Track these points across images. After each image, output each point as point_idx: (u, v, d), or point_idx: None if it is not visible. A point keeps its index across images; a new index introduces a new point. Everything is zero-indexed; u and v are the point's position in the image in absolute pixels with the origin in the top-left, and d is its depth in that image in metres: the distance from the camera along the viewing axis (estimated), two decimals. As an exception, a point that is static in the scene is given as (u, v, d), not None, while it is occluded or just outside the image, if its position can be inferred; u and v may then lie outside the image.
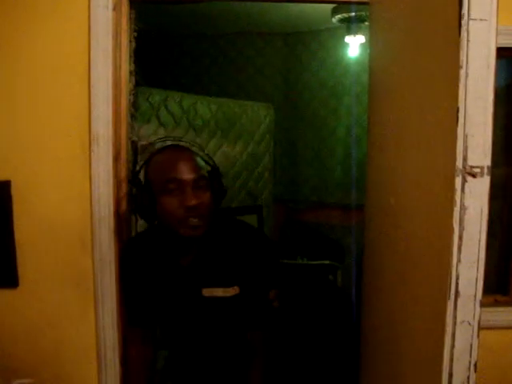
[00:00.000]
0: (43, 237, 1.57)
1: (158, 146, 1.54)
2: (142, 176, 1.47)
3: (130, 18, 1.62)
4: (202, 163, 1.47)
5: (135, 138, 1.74)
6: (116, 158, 1.57)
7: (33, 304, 1.60)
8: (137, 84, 1.71)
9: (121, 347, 1.63)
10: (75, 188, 1.56)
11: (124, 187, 1.62)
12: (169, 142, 1.55)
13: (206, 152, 1.59)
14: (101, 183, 1.54)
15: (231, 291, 1.48)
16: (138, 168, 1.52)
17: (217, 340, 1.58)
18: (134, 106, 1.72)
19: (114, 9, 1.51)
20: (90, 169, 1.54)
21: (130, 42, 1.63)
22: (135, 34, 1.66)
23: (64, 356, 1.63)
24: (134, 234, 1.82)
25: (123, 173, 1.61)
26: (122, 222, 1.62)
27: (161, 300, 1.55)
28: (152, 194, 1.42)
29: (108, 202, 1.56)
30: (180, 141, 1.58)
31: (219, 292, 1.48)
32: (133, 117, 1.71)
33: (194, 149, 1.51)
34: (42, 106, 1.54)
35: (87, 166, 1.54)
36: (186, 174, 1.38)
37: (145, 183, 1.45)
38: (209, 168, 1.51)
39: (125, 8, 1.56)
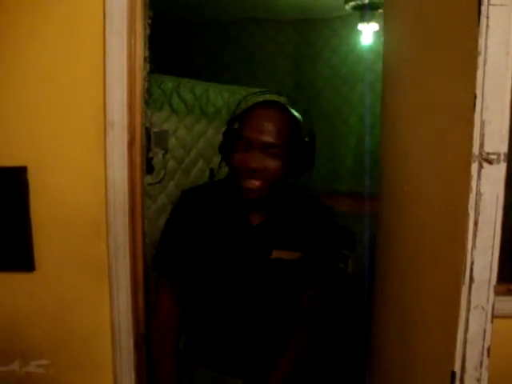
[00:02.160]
0: (59, 222, 1.59)
1: (258, 99, 1.49)
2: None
3: (145, 5, 1.62)
4: (287, 129, 1.40)
5: (148, 125, 1.75)
6: (131, 144, 1.58)
7: (48, 288, 1.63)
8: (150, 71, 1.71)
9: (135, 331, 1.65)
10: (90, 173, 1.57)
11: (138, 173, 1.63)
12: (273, 97, 1.51)
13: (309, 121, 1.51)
14: (116, 169, 1.56)
15: (296, 254, 1.49)
16: (236, 112, 1.50)
17: (266, 305, 1.52)
18: (148, 92, 1.73)
19: (129, -6, 1.51)
20: (105, 154, 1.55)
21: (144, 28, 1.63)
22: (149, 20, 1.66)
23: (79, 340, 1.65)
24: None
25: (138, 159, 1.62)
26: (136, 208, 1.64)
27: (211, 255, 1.50)
28: (232, 146, 1.42)
29: (123, 187, 1.57)
30: (287, 98, 1.57)
31: (287, 254, 1.48)
32: (146, 103, 1.72)
33: (290, 112, 1.45)
34: (57, 91, 1.55)
35: (102, 152, 1.55)
36: (258, 134, 1.36)
37: (235, 131, 1.44)
38: (304, 136, 1.45)
39: (139, -6, 1.56)
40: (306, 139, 1.45)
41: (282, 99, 1.55)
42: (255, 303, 1.50)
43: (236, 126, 1.46)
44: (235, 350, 1.54)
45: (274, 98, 1.52)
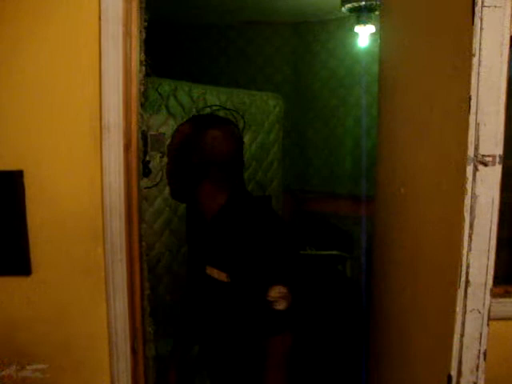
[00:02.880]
0: (55, 225, 1.59)
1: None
2: None
3: (140, 8, 1.61)
4: (180, 139, 1.50)
5: (145, 128, 1.75)
6: (127, 147, 1.57)
7: (45, 292, 1.62)
8: (146, 74, 1.71)
9: (131, 336, 1.64)
10: (87, 177, 1.57)
11: (134, 176, 1.63)
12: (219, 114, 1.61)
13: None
14: (112, 172, 1.55)
15: (222, 275, 1.44)
16: None
17: (225, 331, 1.54)
18: (144, 95, 1.73)
19: (125, -2, 1.51)
20: (101, 158, 1.54)
21: (140, 31, 1.63)
22: (145, 23, 1.65)
23: (76, 344, 1.64)
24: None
25: (134, 162, 1.62)
26: (133, 211, 1.63)
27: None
28: None
29: (119, 190, 1.56)
30: (223, 109, 1.70)
31: (214, 272, 1.47)
32: (142, 106, 1.71)
33: (194, 129, 1.49)
34: (53, 95, 1.54)
35: (98, 155, 1.54)
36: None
37: None
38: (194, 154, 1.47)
39: (135, -3, 1.56)
40: (195, 160, 1.46)
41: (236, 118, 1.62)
42: (205, 313, 1.60)
43: None
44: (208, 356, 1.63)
45: (220, 114, 1.60)
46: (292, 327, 1.41)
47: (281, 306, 1.37)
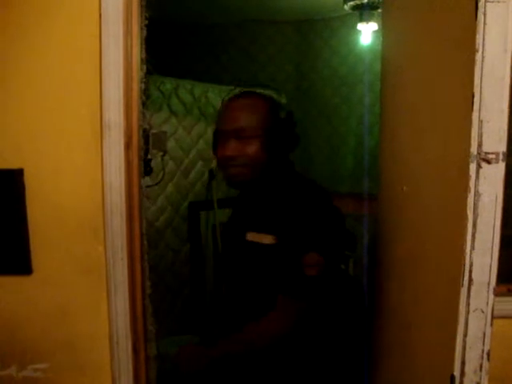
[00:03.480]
0: (56, 224, 1.58)
1: (235, 92, 1.61)
2: None
3: (141, 6, 1.61)
4: (256, 111, 1.48)
5: (147, 126, 1.74)
6: (127, 146, 1.57)
7: (46, 291, 1.61)
8: (148, 72, 1.70)
9: (133, 335, 1.64)
10: (87, 175, 1.56)
11: (135, 175, 1.62)
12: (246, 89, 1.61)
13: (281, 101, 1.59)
14: (112, 170, 1.55)
15: (269, 238, 1.45)
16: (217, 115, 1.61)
17: (250, 288, 1.55)
18: (146, 94, 1.72)
19: (125, -4, 1.50)
20: (102, 156, 1.54)
21: (141, 29, 1.62)
22: (146, 21, 1.65)
23: (77, 343, 1.64)
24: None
25: (135, 160, 1.61)
26: (134, 209, 1.63)
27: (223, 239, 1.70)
28: (213, 141, 1.57)
29: (120, 189, 1.56)
30: (258, 85, 1.65)
31: (258, 237, 1.48)
32: (144, 105, 1.71)
33: (260, 98, 1.54)
34: (54, 93, 1.53)
35: (99, 153, 1.54)
36: (226, 124, 1.48)
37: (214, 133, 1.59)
38: (280, 115, 1.53)
39: (136, -5, 1.55)
40: (282, 117, 1.53)
41: (265, 90, 1.64)
42: (239, 282, 1.58)
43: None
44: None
45: (246, 89, 1.61)
46: (311, 298, 1.43)
47: (311, 273, 1.39)
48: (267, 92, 1.64)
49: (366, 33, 3.47)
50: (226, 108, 1.53)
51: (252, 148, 1.45)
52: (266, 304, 1.50)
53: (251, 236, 1.49)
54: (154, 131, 1.89)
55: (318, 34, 4.11)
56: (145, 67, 1.67)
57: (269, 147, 1.48)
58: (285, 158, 1.57)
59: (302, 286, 1.41)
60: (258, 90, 1.59)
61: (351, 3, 3.22)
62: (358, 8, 3.27)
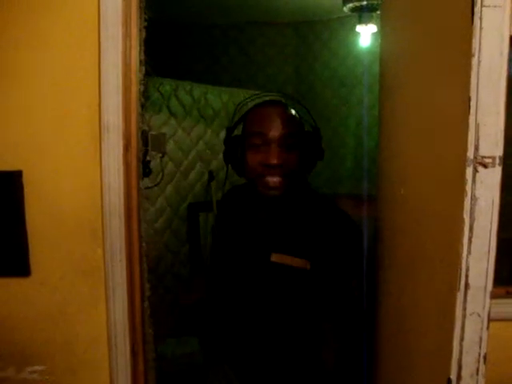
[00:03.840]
0: (54, 226, 1.58)
1: (258, 100, 1.52)
2: (239, 129, 1.49)
3: (140, 7, 1.61)
4: (296, 121, 1.43)
5: (146, 128, 1.74)
6: (126, 147, 1.57)
7: (44, 293, 1.61)
8: (147, 74, 1.70)
9: (131, 337, 1.64)
10: (86, 177, 1.56)
11: (134, 177, 1.62)
12: (267, 98, 1.52)
13: (308, 112, 1.53)
14: (111, 172, 1.55)
15: (300, 262, 1.37)
16: (235, 119, 1.52)
17: (281, 317, 1.44)
18: (145, 95, 1.72)
19: (124, -2, 1.50)
20: (101, 158, 1.54)
21: (140, 31, 1.62)
22: (145, 23, 1.65)
23: (75, 344, 1.64)
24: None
25: (134, 162, 1.61)
26: (132, 211, 1.63)
27: (230, 256, 1.51)
28: (243, 147, 1.42)
29: (118, 191, 1.56)
30: (283, 95, 1.58)
31: (287, 259, 1.38)
32: (143, 106, 1.71)
33: (292, 105, 1.47)
34: (52, 95, 1.54)
35: (98, 155, 1.54)
36: (272, 129, 1.36)
37: (240, 136, 1.46)
38: (308, 128, 1.47)
39: (135, -3, 1.56)
40: (311, 130, 1.46)
41: (281, 98, 1.58)
42: (260, 306, 1.46)
43: (240, 130, 1.47)
44: (248, 350, 1.51)
45: (273, 97, 1.54)
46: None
47: (357, 293, 1.39)
48: (280, 98, 1.59)
49: (365, 35, 3.48)
50: (264, 112, 1.42)
51: (295, 158, 1.39)
52: (293, 329, 1.45)
53: (278, 258, 1.39)
54: (153, 133, 1.89)
55: (317, 36, 4.12)
56: (144, 69, 1.67)
57: (304, 160, 1.43)
58: (307, 173, 1.50)
59: (351, 312, 1.40)
60: (278, 98, 1.55)
61: (350, 5, 3.23)
62: (357, 10, 3.28)
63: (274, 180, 1.36)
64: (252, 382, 1.54)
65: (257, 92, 1.64)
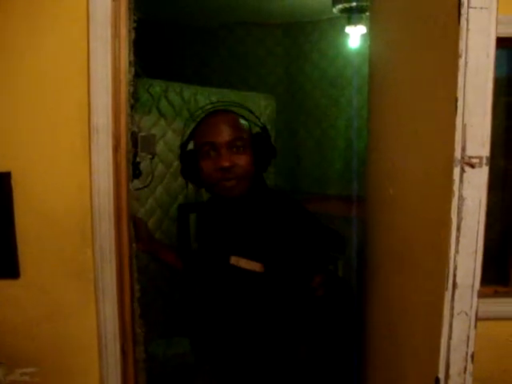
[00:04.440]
0: (44, 228, 1.57)
1: (205, 111, 1.60)
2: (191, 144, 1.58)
3: (129, 8, 1.60)
4: (243, 125, 1.51)
5: (135, 129, 1.74)
6: (116, 148, 1.56)
7: (34, 295, 1.61)
8: (137, 75, 1.70)
9: (121, 338, 1.64)
10: (75, 179, 1.56)
11: (124, 178, 1.62)
12: (213, 107, 1.60)
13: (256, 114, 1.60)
14: (101, 173, 1.54)
15: (254, 266, 1.42)
16: (185, 135, 1.60)
17: (244, 316, 1.49)
18: (134, 96, 1.72)
19: (113, -2, 1.50)
20: (90, 159, 1.53)
21: (129, 32, 1.62)
22: (135, 24, 1.64)
23: (65, 347, 1.63)
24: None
25: (123, 163, 1.61)
26: (122, 212, 1.62)
27: (201, 257, 1.61)
28: (196, 158, 1.51)
29: (108, 192, 1.56)
30: (231, 104, 1.62)
31: (242, 262, 1.44)
32: (133, 108, 1.70)
33: (239, 111, 1.56)
34: (42, 96, 1.53)
35: (87, 157, 1.53)
36: (219, 136, 1.45)
37: (193, 150, 1.55)
38: (256, 129, 1.55)
39: (124, -2, 1.55)
40: (259, 131, 1.56)
41: (223, 106, 1.62)
42: (226, 305, 1.54)
43: (191, 144, 1.58)
44: (222, 346, 1.59)
45: (216, 106, 1.62)
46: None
47: (320, 293, 1.44)
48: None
49: (355, 36, 3.49)
50: (209, 122, 1.52)
51: (246, 159, 1.46)
52: (257, 327, 1.49)
53: (235, 260, 1.45)
54: (142, 134, 1.89)
55: (307, 37, 4.13)
56: (133, 70, 1.67)
57: (255, 160, 1.50)
58: (263, 172, 1.57)
59: (316, 308, 1.45)
60: (230, 108, 1.60)
61: (340, 6, 3.23)
62: (347, 11, 3.29)
63: (230, 182, 1.45)
64: (229, 377, 1.62)
65: (201, 107, 1.74)
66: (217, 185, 1.47)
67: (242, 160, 1.46)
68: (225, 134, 1.46)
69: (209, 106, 1.63)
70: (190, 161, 1.55)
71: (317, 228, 1.54)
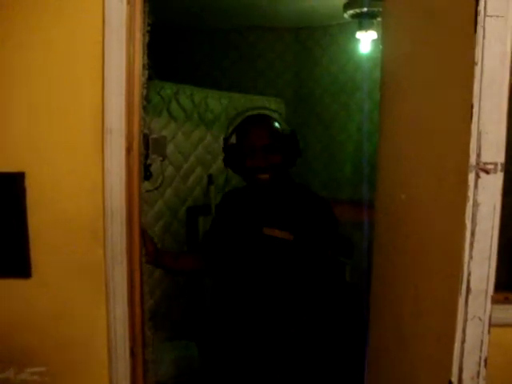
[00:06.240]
0: (56, 228, 1.59)
1: (248, 114, 1.95)
2: (233, 138, 1.93)
3: (144, 12, 1.62)
4: (276, 130, 1.86)
5: (146, 131, 1.75)
6: (128, 150, 1.57)
7: (45, 294, 1.61)
8: (149, 78, 1.71)
9: (131, 339, 1.64)
10: (88, 180, 1.57)
11: (136, 179, 1.63)
12: (255, 112, 1.96)
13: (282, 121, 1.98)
14: (113, 175, 1.55)
15: (285, 234, 1.77)
16: (229, 131, 1.95)
17: (272, 277, 1.80)
18: (146, 99, 1.73)
19: (129, 2, 1.51)
20: (103, 161, 1.54)
21: (144, 35, 1.63)
22: (148, 27, 1.66)
23: (75, 346, 1.64)
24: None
25: (135, 165, 1.62)
26: (133, 214, 1.63)
27: (231, 232, 1.93)
28: (239, 154, 1.85)
29: (120, 193, 1.57)
30: (265, 109, 2.07)
31: (275, 232, 1.79)
32: (145, 110, 1.72)
33: (274, 116, 1.93)
34: (57, 98, 1.54)
35: (100, 158, 1.54)
36: (258, 139, 1.80)
37: (236, 145, 1.89)
38: (287, 132, 1.90)
39: (139, 1, 1.56)
40: (288, 133, 1.90)
41: (269, 112, 2.01)
42: (255, 269, 1.83)
43: (234, 139, 1.92)
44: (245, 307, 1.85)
45: (259, 111, 1.97)
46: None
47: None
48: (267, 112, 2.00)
49: (365, 41, 3.49)
50: (251, 125, 1.86)
51: (278, 158, 1.81)
52: (283, 287, 1.80)
53: (268, 231, 1.80)
54: (153, 136, 1.91)
55: (317, 42, 4.13)
56: (146, 73, 1.68)
57: (284, 159, 1.84)
58: (291, 167, 1.92)
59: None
60: (264, 112, 1.97)
61: (351, 11, 3.24)
62: (358, 16, 3.29)
63: (263, 176, 1.81)
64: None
65: (244, 110, 2.04)
66: (253, 177, 1.83)
67: (275, 160, 1.81)
68: (263, 138, 1.80)
69: (249, 111, 1.97)
70: (232, 154, 1.89)
71: (332, 216, 1.90)
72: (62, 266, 1.60)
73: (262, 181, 1.82)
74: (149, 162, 1.91)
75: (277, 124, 1.89)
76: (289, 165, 1.89)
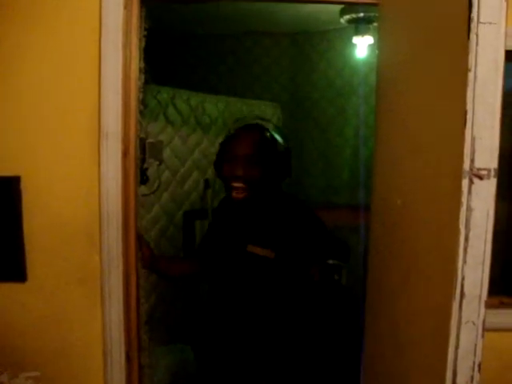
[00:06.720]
0: (52, 232, 1.59)
1: (244, 122, 1.90)
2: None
3: (141, 17, 1.62)
4: (266, 144, 1.77)
5: (143, 135, 1.75)
6: (125, 154, 1.58)
7: (40, 299, 1.61)
8: (145, 82, 1.72)
9: (126, 344, 1.64)
10: (84, 184, 1.57)
11: (132, 184, 1.63)
12: (254, 121, 1.89)
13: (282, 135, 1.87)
14: (109, 179, 1.55)
15: (266, 252, 1.74)
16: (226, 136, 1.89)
17: (254, 293, 1.78)
18: (143, 103, 1.73)
19: (125, 7, 1.52)
20: (99, 165, 1.55)
21: (140, 40, 1.64)
22: (145, 32, 1.67)
23: (70, 351, 1.64)
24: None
25: (132, 169, 1.62)
26: (130, 218, 1.63)
27: (220, 247, 1.90)
28: (221, 159, 1.81)
29: (116, 198, 1.57)
30: (262, 119, 1.94)
31: (257, 250, 1.76)
32: (141, 114, 1.72)
33: (271, 129, 1.84)
34: (53, 101, 1.55)
35: (96, 162, 1.55)
36: (239, 150, 1.75)
37: (220, 150, 1.85)
38: (280, 149, 1.81)
39: (135, 6, 1.57)
40: (281, 152, 1.81)
41: (269, 124, 1.91)
42: (238, 286, 1.82)
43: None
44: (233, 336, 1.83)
45: (257, 122, 1.88)
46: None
47: (316, 279, 1.77)
48: (269, 124, 1.91)
49: (362, 46, 3.51)
50: (238, 136, 1.80)
51: (255, 171, 1.73)
52: (264, 302, 1.78)
53: (251, 248, 1.76)
54: (150, 140, 1.90)
55: (313, 47, 4.14)
56: (143, 77, 1.68)
57: (267, 174, 1.76)
58: (280, 183, 1.86)
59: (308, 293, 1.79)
60: (260, 122, 1.88)
61: (347, 17, 3.26)
62: (354, 22, 3.31)
63: (238, 186, 1.74)
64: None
65: (242, 117, 2.05)
66: (228, 185, 1.77)
67: (253, 172, 1.73)
68: (244, 149, 1.74)
69: (245, 121, 1.92)
70: (218, 159, 1.84)
71: (319, 227, 1.85)
72: (57, 270, 1.60)
73: (234, 190, 1.75)
74: (145, 166, 1.90)
75: (271, 138, 1.80)
76: (273, 182, 1.82)
